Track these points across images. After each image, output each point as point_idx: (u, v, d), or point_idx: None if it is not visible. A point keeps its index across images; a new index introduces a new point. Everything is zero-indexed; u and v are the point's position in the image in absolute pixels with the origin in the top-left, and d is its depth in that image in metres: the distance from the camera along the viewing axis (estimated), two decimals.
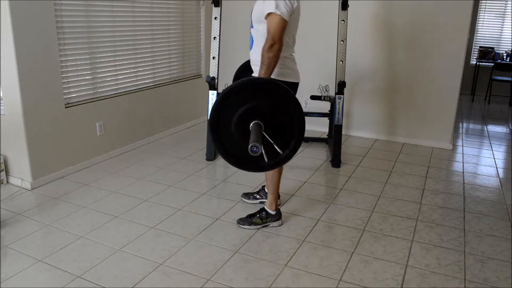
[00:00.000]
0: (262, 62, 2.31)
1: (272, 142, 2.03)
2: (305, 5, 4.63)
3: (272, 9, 2.27)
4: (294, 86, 2.56)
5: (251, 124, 2.02)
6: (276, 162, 2.12)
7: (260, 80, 2.05)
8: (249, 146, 1.81)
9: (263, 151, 1.80)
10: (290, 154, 2.11)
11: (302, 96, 3.82)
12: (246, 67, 3.82)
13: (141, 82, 4.18)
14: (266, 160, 1.87)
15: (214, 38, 3.84)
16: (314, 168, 3.73)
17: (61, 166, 3.40)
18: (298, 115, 2.04)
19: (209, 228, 2.66)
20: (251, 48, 2.55)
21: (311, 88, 4.12)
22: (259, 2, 2.42)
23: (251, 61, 2.58)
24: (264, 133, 2.00)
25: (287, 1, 2.30)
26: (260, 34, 2.41)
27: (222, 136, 2.07)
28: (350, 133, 4.77)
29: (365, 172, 3.67)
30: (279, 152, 2.05)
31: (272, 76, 2.44)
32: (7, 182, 3.29)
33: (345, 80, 3.79)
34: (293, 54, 2.57)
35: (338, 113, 3.78)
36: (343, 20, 3.73)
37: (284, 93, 2.03)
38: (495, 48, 7.26)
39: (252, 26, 2.51)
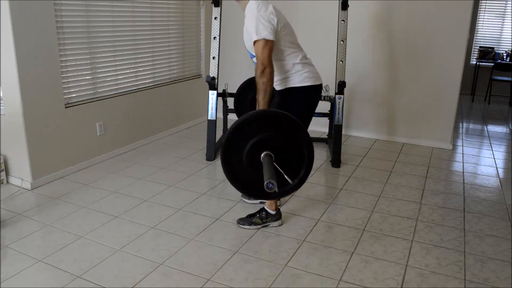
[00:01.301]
0: (258, 89, 2.37)
1: (282, 172, 2.09)
2: (306, 5, 4.64)
3: (255, 36, 2.33)
4: (316, 88, 2.57)
5: (262, 155, 2.08)
6: (285, 190, 2.18)
7: (271, 113, 2.12)
8: (265, 183, 1.86)
9: (276, 184, 1.88)
10: (299, 183, 2.17)
11: None
12: (248, 83, 3.83)
13: (141, 82, 4.18)
14: (277, 190, 1.93)
15: (214, 38, 3.84)
16: (314, 168, 3.71)
17: (61, 166, 3.40)
18: (307, 145, 2.11)
19: (209, 228, 2.66)
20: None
21: None
22: (244, 31, 2.47)
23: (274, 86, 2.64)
24: (275, 164, 2.06)
25: (265, 22, 2.33)
26: None
27: (233, 164, 2.14)
28: (350, 133, 4.77)
29: (365, 172, 3.67)
30: (289, 182, 2.11)
31: (289, 86, 2.51)
32: (7, 182, 3.29)
33: (345, 80, 3.79)
34: (306, 57, 2.59)
35: (338, 113, 3.79)
36: (343, 20, 3.73)
37: (294, 124, 2.09)
38: (495, 48, 7.26)
39: (252, 56, 2.54)
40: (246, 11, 2.46)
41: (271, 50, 2.35)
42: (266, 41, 2.32)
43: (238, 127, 2.07)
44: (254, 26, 2.33)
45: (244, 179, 2.16)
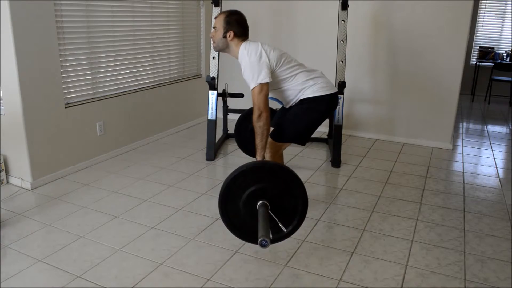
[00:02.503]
0: (255, 132, 2.42)
1: (277, 220, 2.17)
2: (306, 5, 4.64)
3: (251, 84, 2.37)
4: (332, 97, 2.58)
5: (257, 204, 2.15)
6: (279, 237, 2.25)
7: (268, 165, 2.18)
8: (259, 241, 1.92)
9: (269, 240, 1.97)
10: (292, 230, 2.24)
11: None
12: (247, 115, 3.80)
13: (141, 82, 4.18)
14: (271, 237, 2.03)
15: None
16: (314, 168, 3.73)
17: (61, 166, 3.40)
18: (302, 195, 2.17)
19: (209, 228, 2.66)
20: (277, 101, 2.70)
21: None
22: (242, 72, 2.46)
23: (285, 104, 2.69)
24: (270, 212, 2.14)
25: (257, 66, 2.36)
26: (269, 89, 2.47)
27: (231, 214, 2.21)
28: (350, 133, 4.77)
29: (365, 172, 3.67)
30: (283, 230, 2.19)
31: (303, 97, 2.53)
32: (7, 182, 3.29)
33: (345, 80, 3.79)
34: (314, 71, 2.60)
35: (338, 113, 3.79)
36: (343, 20, 3.73)
37: (289, 175, 2.16)
38: (495, 48, 7.26)
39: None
40: (239, 59, 2.49)
41: (267, 93, 2.39)
42: (261, 85, 2.36)
43: (234, 178, 2.14)
44: (249, 73, 2.37)
45: (242, 227, 2.24)
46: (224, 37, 2.49)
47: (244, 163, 2.17)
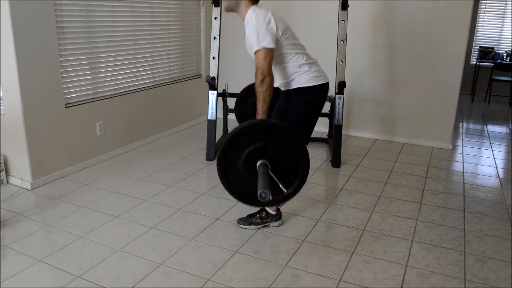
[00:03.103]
0: (257, 97, 2.39)
1: (277, 180, 2.11)
2: (306, 5, 4.64)
3: (256, 46, 2.35)
4: (323, 87, 2.57)
5: (257, 164, 2.10)
6: (279, 199, 2.21)
7: (268, 122, 2.15)
8: (258, 193, 1.88)
9: (269, 193, 1.92)
10: (293, 192, 2.19)
11: None
12: (248, 91, 3.83)
13: (141, 82, 4.18)
14: (271, 198, 1.97)
15: (214, 38, 3.85)
16: (314, 168, 3.73)
17: (61, 166, 3.40)
18: (303, 155, 2.13)
19: (209, 228, 2.66)
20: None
21: None
22: (246, 41, 2.46)
23: (274, 81, 2.64)
24: (270, 172, 2.09)
25: (264, 31, 2.34)
26: None
27: (229, 172, 2.16)
28: (350, 133, 4.77)
29: (365, 172, 3.67)
30: (284, 191, 2.13)
31: (296, 86, 2.51)
32: (7, 182, 3.29)
33: (345, 80, 3.79)
34: (311, 57, 2.59)
35: (338, 113, 3.78)
36: (343, 20, 3.73)
37: (291, 135, 2.11)
38: (495, 48, 7.26)
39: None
40: (245, 21, 2.47)
41: (271, 59, 2.36)
42: (267, 50, 2.33)
43: (234, 136, 2.09)
44: (255, 36, 2.34)
45: (241, 188, 2.19)
46: None
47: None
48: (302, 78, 2.51)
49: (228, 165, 2.13)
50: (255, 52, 2.36)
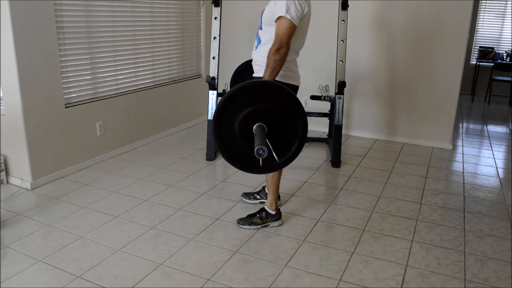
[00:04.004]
0: (267, 65, 2.31)
1: (271, 148, 2.05)
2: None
3: (283, 13, 2.27)
4: (296, 89, 2.56)
5: (254, 126, 2.05)
6: (271, 166, 2.14)
7: (269, 84, 2.08)
8: (255, 149, 1.83)
9: (266, 150, 1.84)
10: (286, 161, 2.13)
11: (302, 96, 3.82)
12: (247, 66, 3.83)
13: (141, 82, 4.18)
14: (277, 159, 1.90)
15: (214, 38, 3.84)
16: (314, 168, 3.73)
17: (61, 166, 3.40)
18: (303, 125, 2.08)
19: (209, 228, 2.66)
20: (256, 48, 2.56)
21: (311, 88, 4.12)
22: (271, 3, 2.40)
23: (253, 60, 2.58)
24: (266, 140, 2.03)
25: (298, 6, 2.29)
26: (269, 36, 2.40)
27: (224, 132, 2.10)
28: (350, 133, 4.77)
29: (365, 172, 3.67)
30: (276, 159, 2.07)
31: (281, 80, 2.45)
32: (7, 182, 3.29)
33: (345, 80, 3.79)
34: (295, 59, 2.58)
35: (338, 113, 3.78)
36: (343, 20, 3.73)
37: (291, 98, 2.06)
38: (495, 48, 7.26)
39: (261, 28, 2.50)
40: None
41: (293, 33, 2.30)
42: (292, 23, 2.28)
43: (236, 93, 2.02)
44: (286, 4, 2.27)
45: (233, 148, 2.12)
46: None
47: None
48: (286, 74, 2.45)
49: (224, 123, 2.06)
50: (279, 18, 2.28)
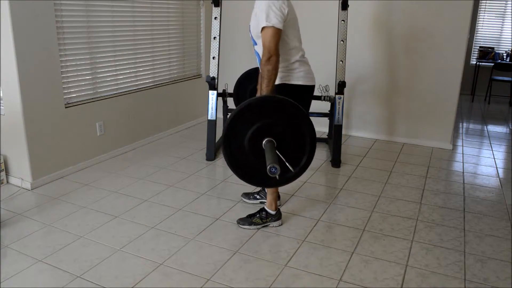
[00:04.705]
0: (262, 76, 2.36)
1: (284, 160, 2.09)
2: (306, 5, 4.63)
3: (264, 23, 2.32)
4: (309, 89, 2.56)
5: (263, 142, 2.08)
6: (286, 178, 2.17)
7: (277, 99, 2.10)
8: (268, 167, 1.85)
9: (279, 167, 1.88)
10: (300, 171, 2.17)
11: None
12: (247, 75, 3.86)
13: (141, 82, 4.18)
14: (279, 172, 1.93)
15: (214, 38, 3.84)
16: (314, 168, 3.73)
17: (61, 166, 3.40)
18: (310, 134, 2.10)
19: (209, 228, 2.66)
20: (260, 64, 2.59)
21: None
22: (253, 17, 2.45)
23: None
24: (277, 151, 2.06)
25: (276, 10, 2.32)
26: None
27: (235, 152, 2.13)
28: (350, 133, 4.77)
29: (365, 172, 3.67)
30: (291, 169, 2.11)
31: (283, 81, 2.49)
32: (7, 182, 3.29)
33: (345, 80, 3.79)
34: (304, 56, 2.59)
35: (338, 113, 3.78)
36: (343, 20, 3.73)
37: (298, 111, 2.08)
38: (495, 48, 7.26)
39: (255, 43, 2.53)
40: None
41: (278, 38, 2.33)
42: (275, 29, 2.31)
43: (242, 111, 2.04)
44: (265, 12, 2.31)
45: (245, 165, 2.14)
46: None
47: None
48: (291, 75, 2.50)
49: (234, 142, 2.09)
50: (263, 28, 2.33)
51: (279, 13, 2.32)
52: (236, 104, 3.94)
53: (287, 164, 2.08)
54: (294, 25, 2.48)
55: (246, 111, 2.06)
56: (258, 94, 2.45)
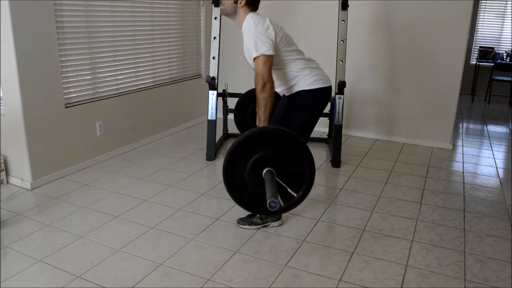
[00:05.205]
0: (258, 104, 2.39)
1: (285, 186, 2.13)
2: (306, 5, 4.64)
3: (254, 54, 2.35)
4: (325, 91, 2.57)
5: (263, 172, 2.11)
6: (290, 204, 2.22)
7: (269, 130, 2.14)
8: (268, 203, 1.87)
9: (280, 200, 1.90)
10: (303, 196, 2.21)
11: None
12: (246, 98, 3.91)
13: (141, 82, 4.18)
14: (282, 205, 1.96)
15: (214, 38, 3.84)
16: None
17: (61, 166, 3.40)
18: (308, 158, 2.13)
19: (209, 228, 2.66)
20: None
21: None
22: (244, 48, 2.47)
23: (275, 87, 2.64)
24: (277, 179, 2.09)
25: (264, 38, 2.34)
26: None
27: (237, 186, 2.18)
28: (350, 133, 4.77)
29: (365, 172, 3.67)
30: (293, 195, 2.14)
31: (298, 89, 2.52)
32: (7, 182, 3.29)
33: (345, 80, 3.79)
34: (311, 61, 2.60)
35: (338, 113, 3.79)
36: (343, 20, 3.73)
37: (293, 139, 2.11)
38: (495, 48, 7.26)
39: (254, 68, 2.54)
40: (243, 28, 2.48)
41: (271, 65, 2.36)
42: (266, 56, 2.34)
43: (236, 148, 2.10)
44: (253, 43, 2.35)
45: (251, 198, 2.20)
46: (235, 2, 2.46)
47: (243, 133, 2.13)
48: (304, 82, 2.52)
49: (235, 176, 2.14)
50: (255, 59, 2.36)
51: (267, 39, 2.34)
52: (237, 126, 4.06)
53: (289, 190, 2.12)
54: (288, 42, 2.49)
55: (240, 147, 2.11)
56: (257, 121, 2.47)
